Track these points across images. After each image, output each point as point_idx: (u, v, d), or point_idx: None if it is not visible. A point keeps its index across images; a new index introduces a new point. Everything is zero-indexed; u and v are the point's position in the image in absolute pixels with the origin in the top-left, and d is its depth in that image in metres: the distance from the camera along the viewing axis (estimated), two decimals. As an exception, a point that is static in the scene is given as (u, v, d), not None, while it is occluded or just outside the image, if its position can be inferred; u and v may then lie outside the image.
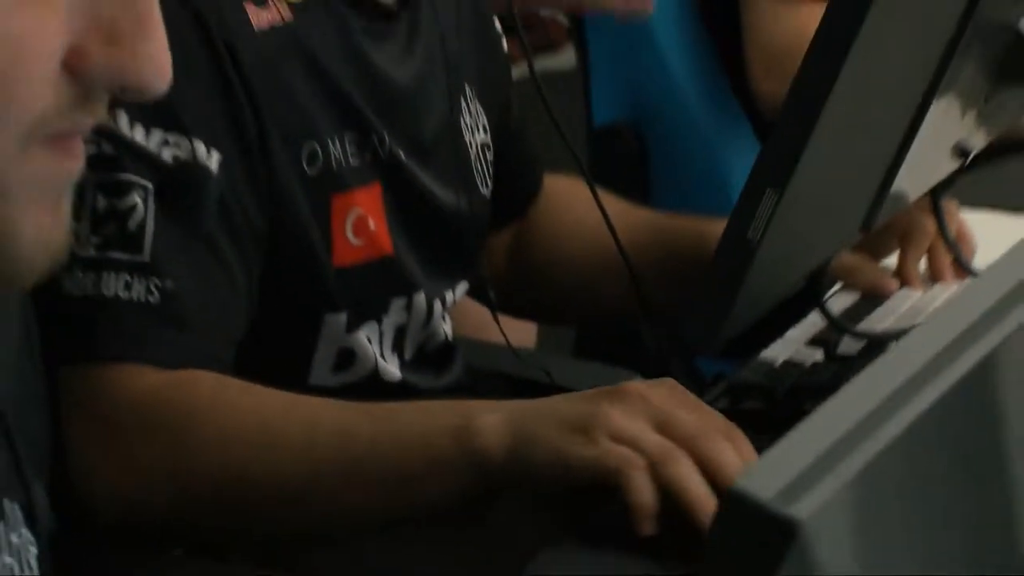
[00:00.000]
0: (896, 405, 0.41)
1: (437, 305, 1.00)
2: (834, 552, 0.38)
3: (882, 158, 0.88)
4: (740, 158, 1.36)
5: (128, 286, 0.84)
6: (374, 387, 0.96)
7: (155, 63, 0.55)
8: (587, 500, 0.82)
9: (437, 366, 1.03)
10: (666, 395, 0.79)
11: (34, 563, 0.78)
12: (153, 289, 0.85)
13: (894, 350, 0.45)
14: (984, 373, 0.44)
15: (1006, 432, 0.46)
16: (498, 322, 1.07)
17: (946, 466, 0.44)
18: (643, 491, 0.75)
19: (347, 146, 0.92)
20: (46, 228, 0.57)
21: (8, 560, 0.78)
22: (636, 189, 1.35)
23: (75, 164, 0.57)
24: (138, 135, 0.83)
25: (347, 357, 0.96)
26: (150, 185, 0.85)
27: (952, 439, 0.44)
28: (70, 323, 0.84)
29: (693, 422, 0.77)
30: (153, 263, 0.83)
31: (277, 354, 0.93)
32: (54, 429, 0.87)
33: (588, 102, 1.46)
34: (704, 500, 0.74)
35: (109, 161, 0.82)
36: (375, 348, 0.97)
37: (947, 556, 0.45)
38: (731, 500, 0.36)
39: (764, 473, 0.38)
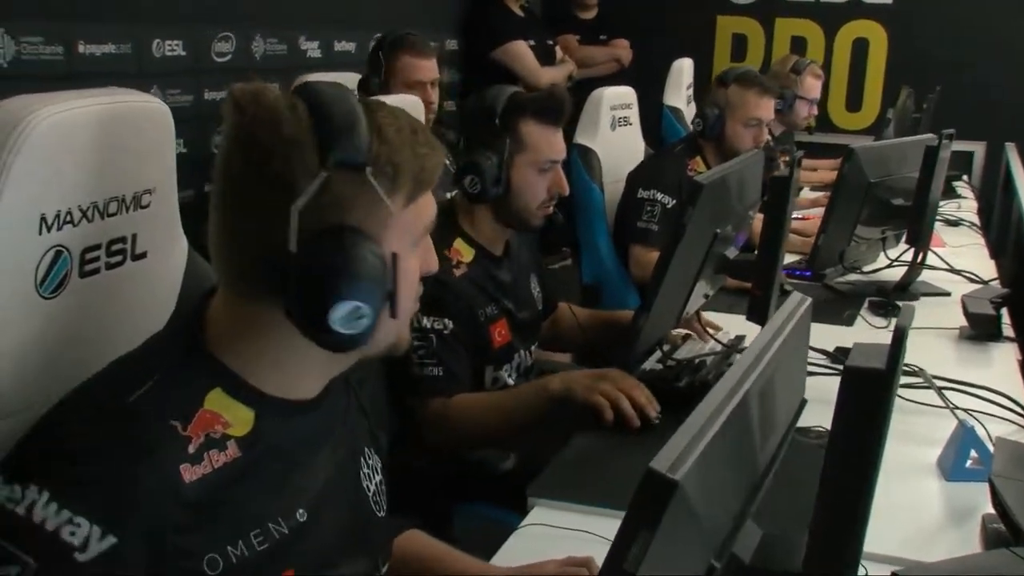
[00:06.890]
0: (719, 411, 0.69)
1: (526, 352, 2.33)
2: (697, 493, 0.60)
3: (682, 297, 2.26)
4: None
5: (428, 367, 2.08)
6: (506, 386, 2.24)
7: (434, 266, 1.20)
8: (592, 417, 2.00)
9: (528, 374, 2.34)
10: (618, 374, 2.06)
11: (380, 484, 1.31)
12: (441, 372, 2.08)
13: (722, 379, 0.74)
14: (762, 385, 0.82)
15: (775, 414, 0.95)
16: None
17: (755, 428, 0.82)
18: (608, 413, 1.95)
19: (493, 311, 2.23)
20: (395, 332, 1.19)
21: (371, 483, 1.27)
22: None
23: (417, 297, 1.20)
24: None
25: (496, 379, 2.25)
26: None
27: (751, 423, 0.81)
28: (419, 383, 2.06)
29: (630, 382, 2.03)
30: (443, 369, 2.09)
31: (475, 382, 2.20)
32: (391, 409, 2.01)
33: (580, 273, 3.11)
34: (632, 416, 1.94)
35: None
36: (506, 373, 2.27)
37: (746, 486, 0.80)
38: (647, 473, 0.57)
39: (662, 457, 0.58)
